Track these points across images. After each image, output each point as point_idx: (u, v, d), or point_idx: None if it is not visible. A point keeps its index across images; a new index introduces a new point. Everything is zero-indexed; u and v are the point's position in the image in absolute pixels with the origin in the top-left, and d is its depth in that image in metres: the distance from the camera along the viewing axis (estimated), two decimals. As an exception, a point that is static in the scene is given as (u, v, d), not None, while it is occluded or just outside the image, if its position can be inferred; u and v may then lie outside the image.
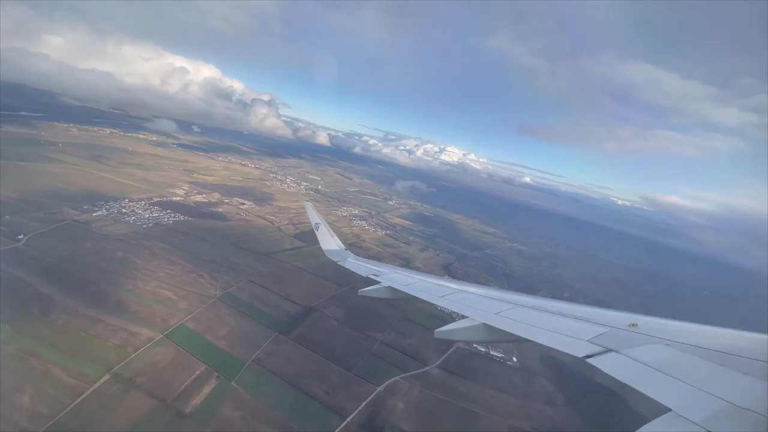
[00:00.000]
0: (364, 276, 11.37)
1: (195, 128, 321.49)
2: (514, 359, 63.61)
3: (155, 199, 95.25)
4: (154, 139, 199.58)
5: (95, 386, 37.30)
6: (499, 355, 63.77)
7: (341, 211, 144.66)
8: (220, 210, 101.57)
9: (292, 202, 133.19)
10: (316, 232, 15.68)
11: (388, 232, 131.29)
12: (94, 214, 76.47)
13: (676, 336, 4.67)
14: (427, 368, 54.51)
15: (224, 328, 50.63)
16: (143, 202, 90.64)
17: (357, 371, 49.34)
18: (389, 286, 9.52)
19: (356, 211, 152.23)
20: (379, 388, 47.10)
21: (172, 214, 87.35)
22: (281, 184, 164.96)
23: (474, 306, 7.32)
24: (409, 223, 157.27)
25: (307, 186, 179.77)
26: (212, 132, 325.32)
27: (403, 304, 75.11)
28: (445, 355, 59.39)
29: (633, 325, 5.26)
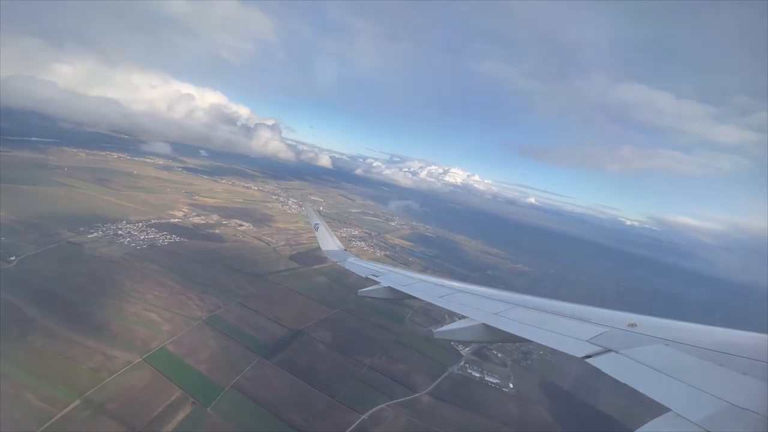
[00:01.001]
0: (364, 276, 11.27)
1: (202, 152, 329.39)
2: (511, 385, 60.75)
3: (153, 221, 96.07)
4: (160, 162, 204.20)
5: (64, 411, 36.16)
6: (495, 381, 61.00)
7: (341, 232, 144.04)
8: (216, 231, 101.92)
9: (291, 224, 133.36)
10: (315, 232, 15.60)
11: (388, 252, 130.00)
12: (89, 236, 77.11)
13: (676, 336, 4.64)
14: (416, 395, 52.15)
15: (206, 352, 49.40)
16: (140, 224, 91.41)
17: (341, 398, 47.32)
18: (389, 287, 9.44)
19: (356, 232, 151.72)
20: (362, 417, 44.95)
21: (168, 236, 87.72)
22: (282, 206, 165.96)
23: (473, 306, 7.24)
24: (410, 243, 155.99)
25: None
26: (219, 156, 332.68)
27: (397, 326, 73.31)
28: (437, 380, 57.01)
29: (632, 325, 5.22)
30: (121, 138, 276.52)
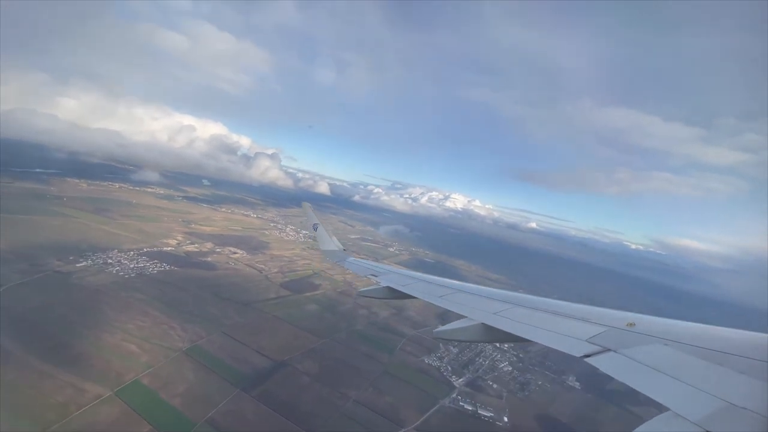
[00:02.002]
0: (363, 276, 11.44)
1: (205, 182, 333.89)
2: (506, 419, 57.60)
3: (145, 249, 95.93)
4: (161, 192, 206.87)
5: (23, 451, 34.37)
6: (489, 414, 57.91)
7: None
8: (209, 259, 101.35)
9: (287, 250, 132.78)
10: (314, 233, 15.80)
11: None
12: (77, 265, 76.81)
13: (674, 335, 4.62)
14: (402, 431, 49.41)
15: (182, 385, 47.56)
16: (132, 253, 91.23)
17: (321, 434, 44.94)
18: (387, 287, 9.49)
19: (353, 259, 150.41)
20: (343, 455, 42.44)
21: (159, 264, 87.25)
22: (280, 233, 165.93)
23: (472, 306, 7.18)
24: (407, 269, 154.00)
25: (306, 234, 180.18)
26: (221, 185, 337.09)
27: (387, 356, 70.78)
28: (427, 414, 54.23)
29: (631, 324, 5.15)
30: (123, 168, 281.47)
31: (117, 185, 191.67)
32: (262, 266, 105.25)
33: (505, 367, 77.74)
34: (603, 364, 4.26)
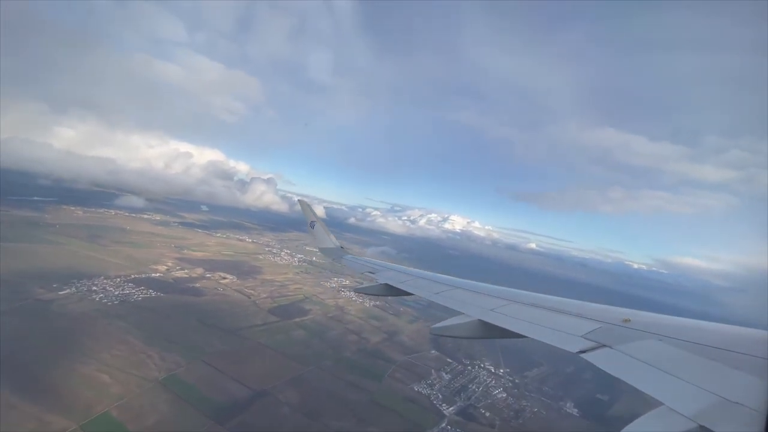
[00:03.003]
0: (361, 273, 11.55)
1: (203, 207, 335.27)
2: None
3: (133, 276, 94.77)
4: (158, 218, 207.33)
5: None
6: (479, 445, 55.01)
7: (331, 282, 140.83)
8: (197, 285, 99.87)
9: (279, 275, 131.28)
10: (311, 230, 15.73)
11: (378, 303, 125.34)
12: (60, 293, 75.61)
13: (669, 331, 4.65)
14: (385, 464, 46.76)
15: (152, 417, 45.52)
16: (119, 279, 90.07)
17: (296, 469, 42.45)
18: (385, 284, 9.51)
19: (347, 282, 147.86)
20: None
21: (145, 291, 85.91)
22: (274, 257, 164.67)
23: (470, 302, 7.29)
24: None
25: (301, 258, 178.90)
26: (219, 210, 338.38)
27: (375, 384, 68.08)
28: (412, 447, 51.49)
29: (627, 320, 5.18)
30: (118, 195, 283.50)
31: (113, 212, 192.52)
32: (252, 291, 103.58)
33: (499, 393, 74.64)
34: (598, 359, 4.28)
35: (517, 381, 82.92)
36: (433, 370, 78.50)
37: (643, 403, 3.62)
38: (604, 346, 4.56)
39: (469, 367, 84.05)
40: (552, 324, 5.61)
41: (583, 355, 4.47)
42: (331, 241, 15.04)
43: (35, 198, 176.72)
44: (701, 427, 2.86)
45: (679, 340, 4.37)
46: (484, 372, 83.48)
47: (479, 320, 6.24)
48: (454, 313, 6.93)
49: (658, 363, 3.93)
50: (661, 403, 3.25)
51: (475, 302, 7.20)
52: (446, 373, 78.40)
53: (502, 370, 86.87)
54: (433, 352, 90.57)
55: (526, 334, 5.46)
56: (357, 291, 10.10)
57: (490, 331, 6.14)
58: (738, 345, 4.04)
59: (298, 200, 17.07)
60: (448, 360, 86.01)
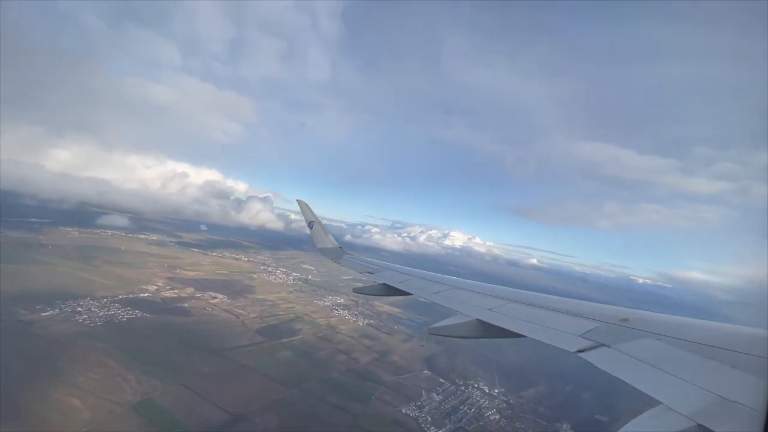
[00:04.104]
0: (360, 273, 11.49)
1: (202, 227, 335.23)
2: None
3: (120, 296, 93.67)
4: (154, 238, 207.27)
5: None
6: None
7: (324, 301, 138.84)
8: (185, 305, 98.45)
9: (271, 294, 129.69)
10: (310, 230, 15.80)
11: (372, 321, 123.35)
12: (43, 314, 74.53)
13: (667, 330, 4.64)
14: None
15: (120, 444, 43.72)
16: (105, 300, 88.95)
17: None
18: (384, 283, 9.55)
19: (341, 300, 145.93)
20: None
21: (131, 311, 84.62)
22: (269, 276, 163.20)
23: (468, 302, 7.30)
24: (399, 310, 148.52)
25: (296, 276, 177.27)
26: (218, 230, 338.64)
27: (361, 407, 65.63)
28: (395, 474, 48.97)
29: (624, 319, 5.20)
30: (108, 214, 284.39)
31: (110, 233, 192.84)
32: (241, 311, 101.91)
33: (492, 415, 71.79)
34: (596, 359, 4.26)
35: (511, 401, 79.98)
36: (423, 391, 75.90)
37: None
38: (603, 345, 4.55)
39: (462, 388, 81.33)
40: (550, 323, 5.60)
41: (581, 355, 4.46)
42: (330, 241, 15.07)
43: (32, 219, 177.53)
44: (700, 426, 2.82)
45: (678, 339, 4.37)
46: (478, 392, 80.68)
47: (477, 320, 6.22)
48: (452, 313, 6.90)
49: (656, 362, 3.92)
50: (660, 402, 3.23)
51: (473, 302, 7.17)
52: (437, 394, 75.78)
53: (496, 390, 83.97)
54: (425, 372, 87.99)
55: (524, 334, 5.46)
56: (355, 291, 10.18)
57: (489, 331, 6.12)
58: (736, 344, 4.04)
59: (297, 200, 17.01)
60: (441, 380, 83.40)
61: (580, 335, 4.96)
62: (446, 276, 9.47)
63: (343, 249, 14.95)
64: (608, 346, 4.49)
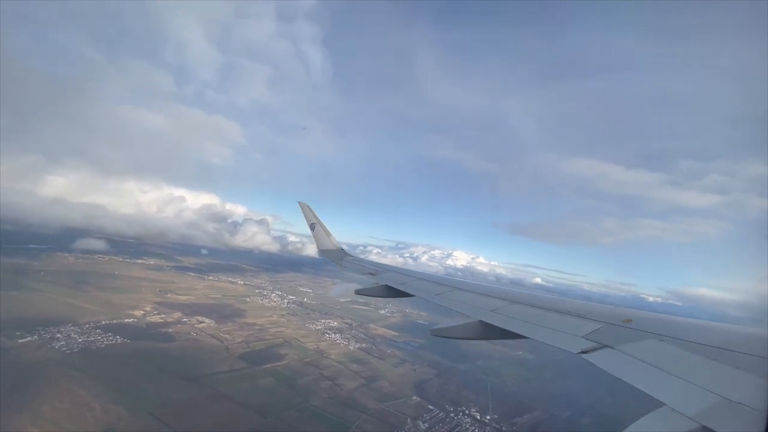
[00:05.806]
0: (361, 275, 11.47)
1: (203, 251, 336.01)
2: None
3: (104, 322, 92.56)
4: (152, 263, 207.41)
5: None
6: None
7: (316, 325, 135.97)
8: (170, 330, 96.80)
9: (262, 318, 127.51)
10: (312, 232, 15.83)
11: (364, 345, 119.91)
12: (20, 341, 73.53)
13: (670, 331, 4.61)
14: None
15: (71, 480, 41.61)
16: (87, 326, 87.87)
17: None
18: (385, 285, 9.58)
19: (335, 323, 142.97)
20: None
21: (112, 337, 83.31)
22: (262, 300, 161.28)
23: (470, 303, 7.24)
24: (395, 333, 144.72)
25: (291, 299, 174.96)
26: (219, 253, 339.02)
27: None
28: None
29: (627, 320, 5.16)
30: (114, 241, 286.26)
31: (107, 258, 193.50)
32: (227, 336, 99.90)
33: (481, 444, 68.05)
34: (599, 360, 4.24)
35: (504, 429, 76.00)
36: (409, 419, 72.54)
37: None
38: (606, 346, 4.51)
39: (452, 414, 77.77)
40: (553, 324, 5.54)
41: (584, 356, 4.43)
42: (332, 242, 15.09)
43: (30, 246, 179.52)
44: (703, 427, 2.78)
45: (681, 340, 4.33)
46: (468, 419, 76.99)
47: (479, 321, 6.17)
48: (453, 314, 6.85)
49: (659, 363, 3.89)
50: (663, 404, 3.18)
51: (475, 303, 7.11)
52: (423, 422, 72.30)
53: (488, 417, 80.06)
54: (414, 398, 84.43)
55: (526, 335, 5.42)
56: (357, 292, 10.13)
57: (491, 332, 6.09)
58: (739, 344, 3.99)
59: (299, 203, 16.94)
60: (430, 407, 79.90)
61: (582, 336, 4.91)
62: (448, 277, 9.42)
63: (345, 251, 14.93)
64: (611, 347, 4.45)
